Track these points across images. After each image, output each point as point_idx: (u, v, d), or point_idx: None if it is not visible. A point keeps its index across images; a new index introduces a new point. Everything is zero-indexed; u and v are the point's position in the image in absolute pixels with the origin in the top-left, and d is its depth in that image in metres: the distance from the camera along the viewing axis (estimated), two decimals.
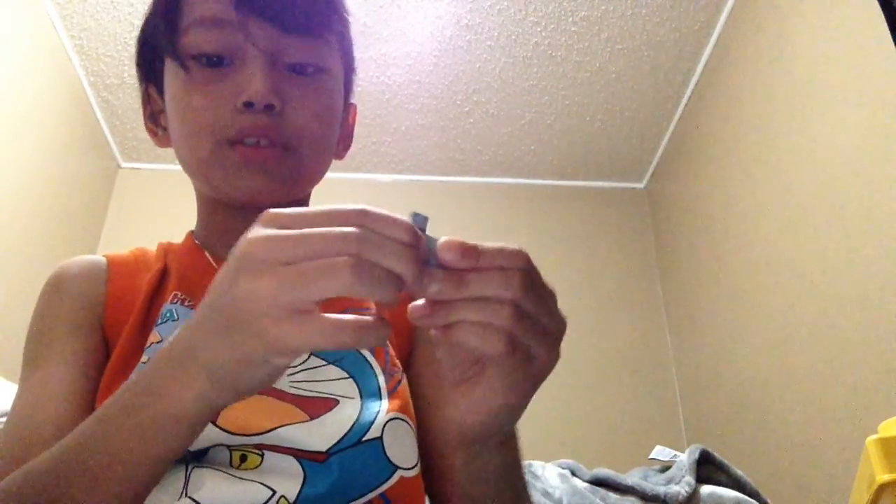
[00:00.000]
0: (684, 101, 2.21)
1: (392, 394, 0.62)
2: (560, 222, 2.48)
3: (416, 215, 0.38)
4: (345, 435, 0.57)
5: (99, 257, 0.70)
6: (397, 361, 0.66)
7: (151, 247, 0.74)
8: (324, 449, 0.56)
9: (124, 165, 2.44)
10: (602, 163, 2.47)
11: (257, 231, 0.37)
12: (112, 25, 1.99)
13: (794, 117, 1.61)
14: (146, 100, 0.73)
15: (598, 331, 2.29)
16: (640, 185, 2.57)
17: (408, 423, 0.61)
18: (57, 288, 0.67)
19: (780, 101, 1.68)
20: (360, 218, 0.35)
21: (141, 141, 2.33)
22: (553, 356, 0.42)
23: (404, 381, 0.65)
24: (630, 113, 2.27)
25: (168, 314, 0.63)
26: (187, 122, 0.65)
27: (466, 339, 0.38)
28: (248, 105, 0.62)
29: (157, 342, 0.60)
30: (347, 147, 0.78)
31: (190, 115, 0.64)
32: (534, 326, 0.39)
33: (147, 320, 0.64)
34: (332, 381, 0.61)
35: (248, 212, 0.68)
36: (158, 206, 2.30)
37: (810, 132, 1.55)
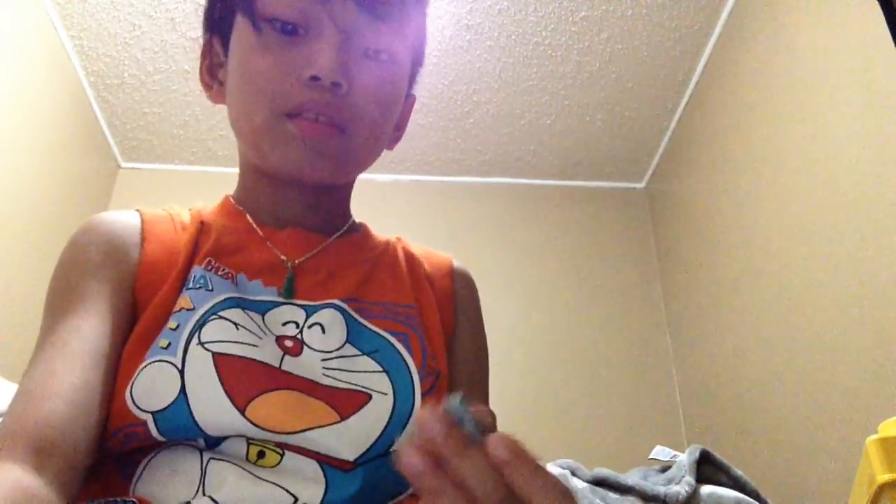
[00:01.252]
0: (684, 101, 2.21)
1: (425, 396, 0.60)
2: (560, 222, 2.48)
3: (456, 407, 0.36)
4: (374, 443, 0.55)
5: (132, 213, 0.67)
6: (433, 363, 0.64)
7: None
8: (352, 458, 0.54)
9: (124, 165, 2.44)
10: (602, 163, 2.47)
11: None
12: (112, 25, 1.99)
13: (794, 117, 1.61)
14: (206, 50, 0.71)
15: (599, 331, 2.29)
16: (640, 185, 2.57)
17: None
18: (89, 242, 0.62)
19: (780, 101, 1.68)
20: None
21: (141, 141, 2.33)
22: None
23: (439, 384, 0.63)
24: (630, 113, 2.27)
25: (201, 279, 0.61)
26: (249, 85, 0.63)
27: None
28: (315, 79, 0.60)
29: (189, 309, 0.58)
30: (398, 139, 0.77)
31: (253, 78, 0.62)
32: None
33: (180, 285, 0.61)
34: (366, 372, 0.59)
35: (296, 188, 0.68)
36: (158, 206, 2.30)
37: (810, 132, 1.55)
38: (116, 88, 2.16)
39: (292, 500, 0.51)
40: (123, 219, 0.66)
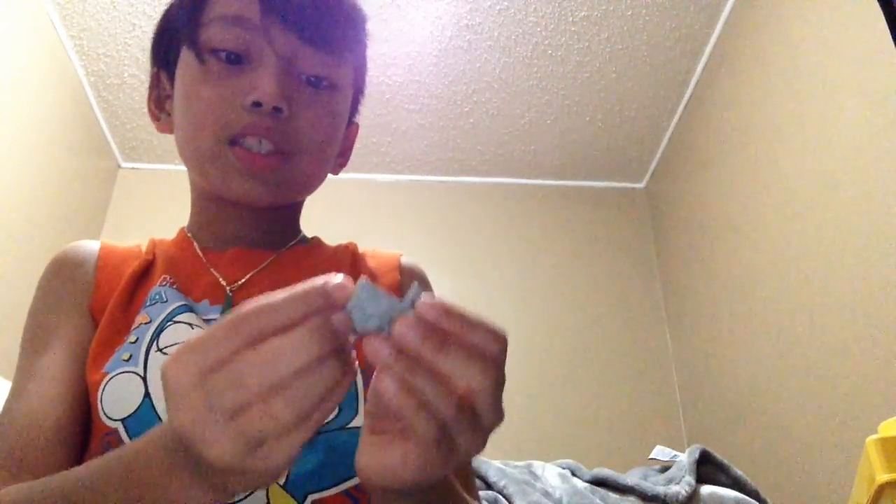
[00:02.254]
0: (684, 101, 2.21)
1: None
2: (560, 222, 2.48)
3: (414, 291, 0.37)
4: (332, 418, 0.57)
5: (95, 243, 0.72)
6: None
7: None
8: None
9: (124, 165, 2.44)
10: (602, 163, 2.47)
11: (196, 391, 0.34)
12: (112, 25, 1.99)
13: (794, 117, 1.61)
14: (154, 83, 0.74)
15: (598, 331, 2.29)
16: (640, 185, 2.57)
17: None
18: (54, 273, 0.69)
19: (780, 101, 1.68)
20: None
21: (141, 141, 2.33)
22: (477, 447, 0.38)
23: None
24: (630, 113, 2.27)
25: (157, 296, 0.64)
26: (193, 113, 0.65)
27: (400, 408, 0.36)
28: (257, 105, 0.62)
29: (146, 322, 0.62)
30: (343, 164, 0.79)
31: (197, 107, 0.65)
32: (473, 420, 0.37)
33: (130, 303, 0.65)
34: None
35: (240, 208, 0.70)
36: (158, 206, 2.30)
37: (810, 132, 1.55)
38: (116, 88, 2.16)
39: None
40: (84, 248, 0.71)
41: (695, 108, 2.16)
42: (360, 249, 0.77)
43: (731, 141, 1.93)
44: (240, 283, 0.67)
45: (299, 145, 0.65)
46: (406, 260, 0.77)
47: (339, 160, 0.77)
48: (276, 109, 0.62)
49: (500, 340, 0.37)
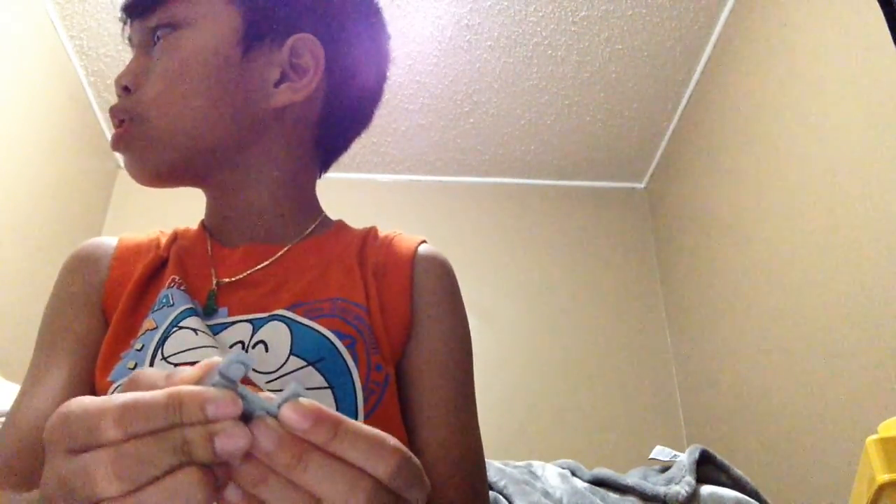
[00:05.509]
0: (684, 101, 2.21)
1: (368, 416, 0.58)
2: (560, 222, 2.48)
3: (233, 364, 0.30)
4: None
5: (112, 239, 0.71)
6: (378, 374, 0.61)
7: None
8: None
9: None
10: (602, 163, 2.47)
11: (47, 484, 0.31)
12: (112, 25, 1.99)
13: (794, 117, 1.61)
14: None
15: (598, 331, 2.29)
16: (640, 185, 2.57)
17: None
18: (69, 271, 0.68)
19: (780, 101, 1.68)
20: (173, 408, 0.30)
21: None
22: None
23: (386, 396, 0.60)
24: (630, 113, 2.27)
25: (164, 299, 0.62)
26: None
27: None
28: (119, 96, 0.66)
29: (152, 329, 0.60)
30: (305, 87, 0.67)
31: None
32: None
33: (140, 304, 0.64)
34: (310, 389, 0.57)
35: (232, 200, 0.69)
36: (158, 206, 2.30)
37: (810, 132, 1.55)
38: None
39: None
40: (100, 244, 0.71)
41: (695, 108, 2.16)
42: (381, 235, 0.72)
43: (731, 141, 1.93)
44: (230, 280, 0.65)
45: (146, 104, 0.64)
46: (425, 249, 0.70)
47: (288, 82, 0.67)
48: (125, 89, 0.65)
49: (392, 459, 0.31)
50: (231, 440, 0.29)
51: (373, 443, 0.31)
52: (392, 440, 0.31)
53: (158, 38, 0.65)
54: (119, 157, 2.41)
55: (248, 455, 0.30)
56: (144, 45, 0.67)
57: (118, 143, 0.65)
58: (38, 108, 1.93)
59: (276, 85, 0.66)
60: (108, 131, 2.31)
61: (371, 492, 0.30)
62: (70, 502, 0.29)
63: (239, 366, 0.30)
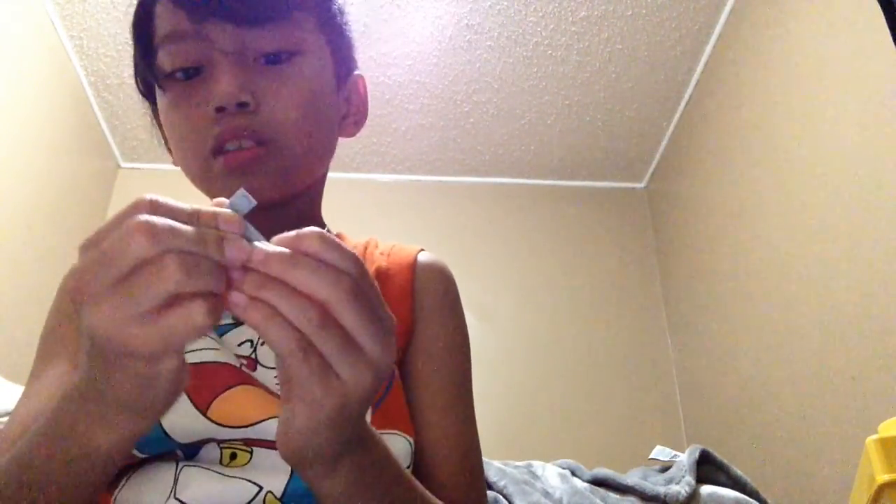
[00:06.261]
0: (684, 101, 2.21)
1: (376, 408, 0.59)
2: (560, 222, 2.48)
3: (239, 199, 0.38)
4: None
5: None
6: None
7: None
8: None
9: (124, 165, 2.44)
10: (602, 163, 2.47)
11: (78, 263, 0.36)
12: (112, 25, 1.99)
13: (794, 117, 1.61)
14: (153, 120, 0.74)
15: (598, 331, 2.29)
16: (640, 185, 2.57)
17: (398, 435, 0.59)
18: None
19: (780, 101, 1.68)
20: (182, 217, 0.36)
21: (141, 141, 2.33)
22: (361, 379, 0.37)
23: (394, 388, 0.61)
24: (630, 113, 2.27)
25: None
26: (174, 141, 0.65)
27: (258, 326, 0.36)
28: (221, 110, 0.60)
29: None
30: (360, 122, 0.74)
31: (175, 134, 0.64)
32: (343, 339, 0.36)
33: None
34: None
35: (252, 212, 0.69)
36: None
37: (810, 132, 1.55)
38: (116, 88, 2.16)
39: (257, 489, 0.53)
40: None
41: (695, 108, 2.16)
42: (380, 248, 0.73)
43: (731, 141, 1.93)
44: None
45: (279, 128, 0.62)
46: (425, 257, 0.72)
47: (353, 119, 0.73)
48: (241, 105, 0.60)
49: (350, 257, 0.37)
50: (236, 245, 0.36)
51: (345, 254, 0.37)
52: (352, 252, 0.38)
53: (277, 59, 0.63)
54: (119, 157, 2.41)
55: (247, 269, 0.36)
56: (244, 58, 0.62)
57: (251, 166, 0.61)
58: (38, 108, 1.93)
59: (348, 119, 0.72)
60: (109, 131, 2.31)
61: (348, 280, 0.36)
62: (98, 285, 0.34)
63: (244, 200, 0.38)
